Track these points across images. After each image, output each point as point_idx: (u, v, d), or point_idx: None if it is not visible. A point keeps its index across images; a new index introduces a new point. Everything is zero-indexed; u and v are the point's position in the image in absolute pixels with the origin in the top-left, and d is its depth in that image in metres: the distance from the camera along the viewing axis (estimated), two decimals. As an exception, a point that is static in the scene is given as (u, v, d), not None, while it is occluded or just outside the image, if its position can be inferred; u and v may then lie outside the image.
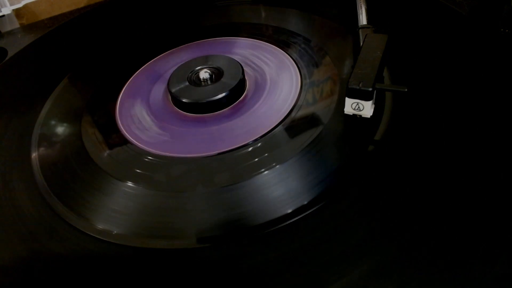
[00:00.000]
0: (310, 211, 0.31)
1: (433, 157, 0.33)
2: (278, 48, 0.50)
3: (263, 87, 0.44)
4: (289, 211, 0.31)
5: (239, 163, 0.36)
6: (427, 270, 0.26)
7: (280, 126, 0.39)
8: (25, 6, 0.66)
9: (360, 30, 0.45)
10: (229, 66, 0.45)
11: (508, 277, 0.25)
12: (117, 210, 0.34)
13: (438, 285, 0.25)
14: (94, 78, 0.51)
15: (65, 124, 0.44)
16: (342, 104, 0.38)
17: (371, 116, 0.37)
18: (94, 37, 0.60)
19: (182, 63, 0.47)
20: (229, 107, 0.42)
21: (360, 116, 0.37)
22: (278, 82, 0.45)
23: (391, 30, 0.42)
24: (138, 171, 0.37)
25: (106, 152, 0.40)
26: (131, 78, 0.50)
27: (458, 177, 0.31)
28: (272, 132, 0.39)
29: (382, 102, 0.39)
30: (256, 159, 0.36)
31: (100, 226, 0.33)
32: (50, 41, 0.61)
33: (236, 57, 0.46)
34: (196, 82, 0.44)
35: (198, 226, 0.32)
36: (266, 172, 0.35)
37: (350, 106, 0.37)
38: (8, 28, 0.65)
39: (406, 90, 0.35)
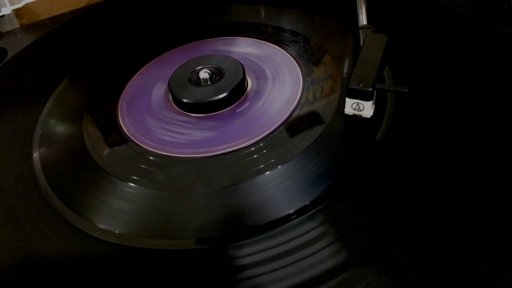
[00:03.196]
0: (312, 211, 0.31)
1: (434, 157, 0.33)
2: (279, 48, 0.50)
3: (264, 87, 0.44)
4: (291, 211, 0.31)
5: (241, 164, 0.36)
6: (429, 268, 0.26)
7: (281, 127, 0.39)
8: (25, 6, 0.66)
9: (360, 30, 0.45)
10: (230, 66, 0.45)
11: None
12: (118, 210, 0.34)
13: (441, 284, 0.25)
14: (95, 78, 0.51)
15: (66, 124, 0.45)
16: (343, 104, 0.38)
17: (371, 116, 0.37)
18: (94, 37, 0.60)
19: (182, 63, 0.47)
20: (230, 107, 0.42)
21: (361, 116, 0.37)
22: (279, 82, 0.45)
23: (391, 30, 0.42)
24: (139, 171, 0.37)
25: (107, 152, 0.40)
26: (132, 78, 0.50)
27: (459, 177, 0.31)
28: (274, 132, 0.39)
29: (383, 102, 0.39)
30: (258, 160, 0.36)
31: (101, 226, 0.33)
32: (50, 41, 0.61)
33: (236, 57, 0.46)
34: (196, 82, 0.44)
35: (199, 227, 0.32)
36: (268, 172, 0.35)
37: (351, 106, 0.37)
38: (8, 28, 0.65)
39: (406, 90, 0.35)
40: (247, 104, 0.43)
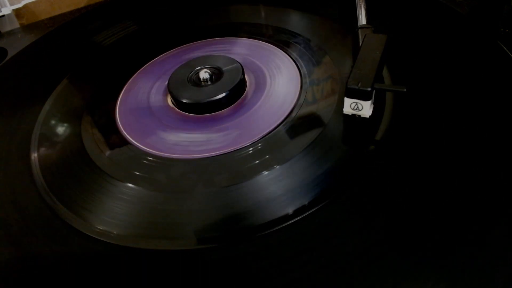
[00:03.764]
0: (311, 211, 0.31)
1: (434, 156, 0.33)
2: (278, 48, 0.50)
3: (263, 87, 0.44)
4: (290, 211, 0.31)
5: (239, 164, 0.36)
6: (429, 269, 0.26)
7: (280, 127, 0.39)
8: (25, 6, 0.66)
9: (360, 30, 0.45)
10: (229, 66, 0.45)
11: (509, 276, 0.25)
12: (117, 211, 0.34)
13: (441, 285, 0.25)
14: (95, 78, 0.51)
15: (65, 124, 0.45)
16: (342, 104, 0.38)
17: (370, 116, 0.37)
18: (94, 37, 0.60)
19: (182, 63, 0.47)
20: (229, 107, 0.42)
21: (359, 116, 0.37)
22: (278, 82, 0.45)
23: (390, 30, 0.42)
24: (138, 171, 0.37)
25: (106, 153, 0.40)
26: (131, 78, 0.50)
27: (458, 177, 0.31)
28: (272, 132, 0.39)
29: (382, 102, 0.39)
30: (257, 160, 0.36)
31: (100, 227, 0.33)
32: (50, 41, 0.61)
33: (236, 57, 0.46)
34: (196, 82, 0.44)
35: (198, 227, 0.32)
36: (266, 172, 0.35)
37: (349, 106, 0.37)
38: (8, 28, 0.65)
39: (405, 90, 0.35)
40: (246, 104, 0.43)
